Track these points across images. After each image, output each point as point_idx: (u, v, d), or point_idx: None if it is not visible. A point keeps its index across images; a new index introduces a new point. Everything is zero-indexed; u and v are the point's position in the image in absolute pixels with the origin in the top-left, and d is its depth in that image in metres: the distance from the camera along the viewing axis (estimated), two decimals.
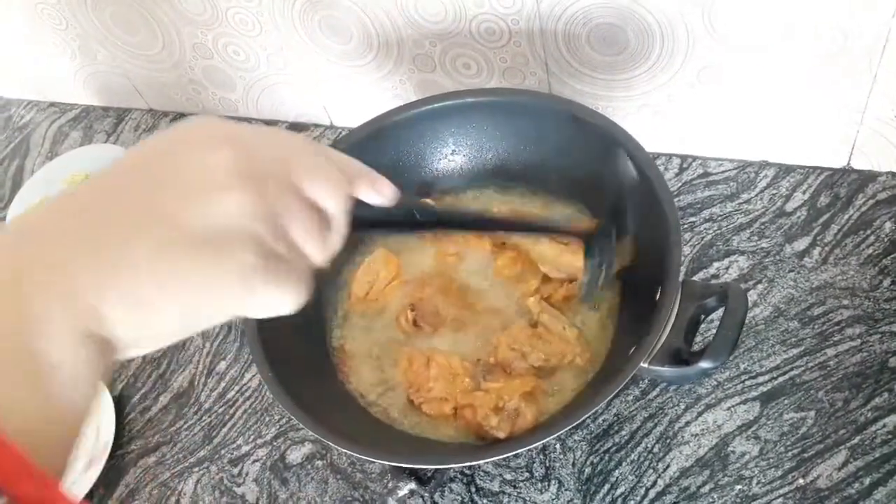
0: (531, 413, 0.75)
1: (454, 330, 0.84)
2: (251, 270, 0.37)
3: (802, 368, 0.80)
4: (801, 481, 0.73)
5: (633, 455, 0.79)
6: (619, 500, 0.76)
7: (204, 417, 0.94)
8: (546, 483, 0.79)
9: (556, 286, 0.83)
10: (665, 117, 0.96)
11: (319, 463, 0.86)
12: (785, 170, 0.94)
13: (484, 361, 0.80)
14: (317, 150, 0.43)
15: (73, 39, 1.25)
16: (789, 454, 0.75)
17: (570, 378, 0.79)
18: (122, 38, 1.20)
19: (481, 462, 0.80)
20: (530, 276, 0.85)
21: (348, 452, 0.70)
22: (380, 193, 0.46)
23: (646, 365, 0.66)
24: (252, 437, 0.90)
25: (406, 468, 0.81)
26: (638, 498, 0.76)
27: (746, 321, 0.73)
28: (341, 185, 0.43)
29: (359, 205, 0.45)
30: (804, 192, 0.92)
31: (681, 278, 0.70)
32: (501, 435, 0.74)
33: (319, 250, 0.42)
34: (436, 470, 0.81)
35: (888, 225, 0.87)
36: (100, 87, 1.34)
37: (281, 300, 0.40)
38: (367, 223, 0.47)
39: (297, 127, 1.22)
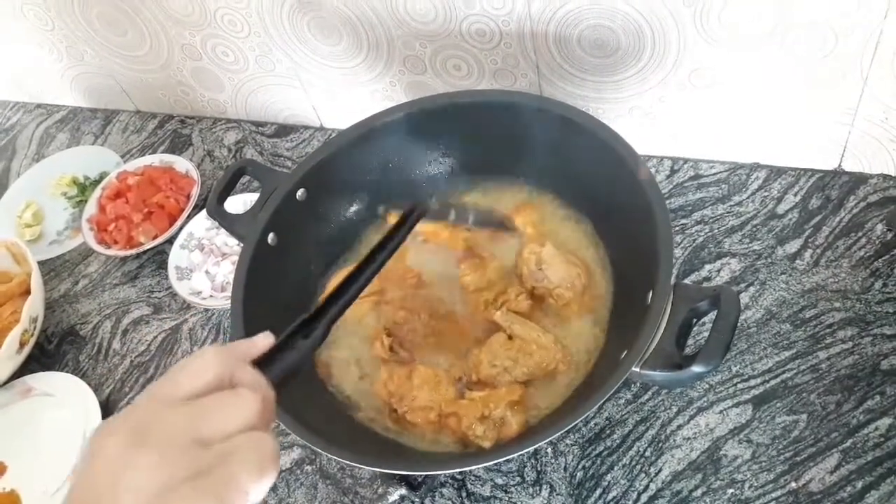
0: (517, 422, 0.74)
1: (432, 350, 0.82)
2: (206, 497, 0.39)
3: (794, 371, 0.79)
4: (793, 485, 0.73)
5: (624, 459, 0.78)
6: None
7: None
8: (538, 487, 0.78)
9: (516, 297, 0.82)
10: (656, 119, 0.95)
11: (309, 468, 0.86)
12: (776, 172, 0.94)
13: (466, 379, 0.79)
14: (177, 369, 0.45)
15: (59, 41, 1.24)
16: (781, 458, 0.75)
17: (559, 384, 0.78)
18: (109, 39, 1.19)
19: (471, 468, 0.79)
20: (493, 286, 0.83)
21: (337, 459, 0.69)
22: (258, 344, 0.49)
23: (637, 369, 0.65)
24: None
25: (396, 473, 0.81)
26: (630, 502, 0.75)
27: (738, 324, 0.73)
28: (211, 359, 0.45)
29: (270, 363, 0.48)
30: (795, 195, 0.92)
31: (672, 281, 0.69)
32: (487, 444, 0.73)
33: (241, 413, 0.43)
34: (426, 475, 0.81)
35: (879, 227, 0.87)
36: (87, 88, 1.33)
37: (250, 487, 0.41)
38: (286, 370, 0.50)
39: (286, 128, 1.21)
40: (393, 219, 0.91)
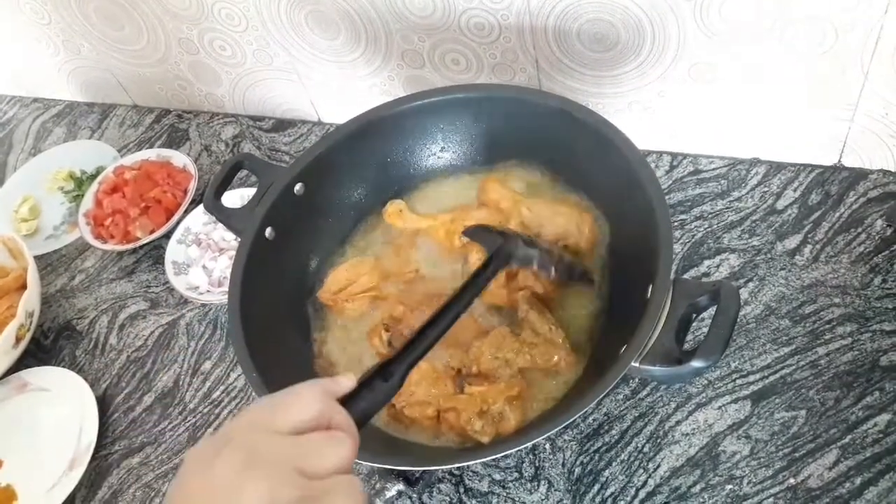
0: (515, 417, 0.74)
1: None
2: None
3: (793, 367, 0.79)
4: (791, 481, 0.73)
5: (623, 455, 0.78)
6: (609, 500, 0.76)
7: (189, 418, 0.93)
8: (535, 483, 0.78)
9: (535, 281, 0.80)
10: (655, 114, 0.95)
11: None
12: (776, 167, 0.94)
13: (466, 372, 0.78)
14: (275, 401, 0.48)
15: (56, 35, 1.23)
16: (780, 454, 0.74)
17: (558, 379, 0.77)
18: (106, 33, 1.18)
19: (469, 463, 0.79)
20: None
21: None
22: (342, 385, 0.51)
23: (637, 364, 0.65)
24: None
25: (394, 469, 0.80)
26: (628, 498, 0.75)
27: (737, 319, 0.72)
28: (316, 396, 0.48)
29: (351, 404, 0.50)
30: (795, 190, 0.92)
31: (672, 276, 0.69)
32: (485, 439, 0.73)
33: (340, 455, 0.45)
34: (423, 471, 0.80)
35: (879, 223, 0.87)
36: (84, 82, 1.33)
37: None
38: (365, 411, 0.51)
39: (284, 122, 1.21)
40: (393, 209, 0.91)
